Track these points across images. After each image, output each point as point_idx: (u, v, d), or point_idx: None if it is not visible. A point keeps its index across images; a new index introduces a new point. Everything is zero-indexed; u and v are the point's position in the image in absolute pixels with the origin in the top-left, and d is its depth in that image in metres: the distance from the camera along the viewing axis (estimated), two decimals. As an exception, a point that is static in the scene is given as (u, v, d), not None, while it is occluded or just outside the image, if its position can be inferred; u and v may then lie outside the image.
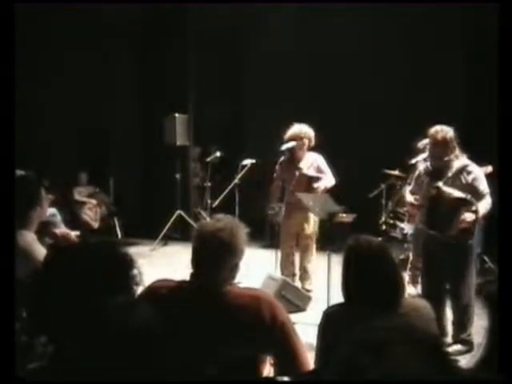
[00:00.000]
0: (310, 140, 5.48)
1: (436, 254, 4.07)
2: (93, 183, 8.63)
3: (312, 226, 5.55)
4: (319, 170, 5.50)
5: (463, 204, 3.84)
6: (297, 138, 5.43)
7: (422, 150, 5.42)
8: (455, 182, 3.93)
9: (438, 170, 4.04)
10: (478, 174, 3.95)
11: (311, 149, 5.57)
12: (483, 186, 3.92)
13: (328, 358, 2.04)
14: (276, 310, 2.08)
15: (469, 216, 3.80)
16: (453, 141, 3.94)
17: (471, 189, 3.89)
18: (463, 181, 3.92)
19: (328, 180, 5.48)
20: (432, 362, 0.99)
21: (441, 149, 3.96)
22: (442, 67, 7.53)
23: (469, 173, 3.92)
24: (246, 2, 7.86)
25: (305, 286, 5.59)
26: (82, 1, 7.70)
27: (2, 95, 2.37)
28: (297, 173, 5.46)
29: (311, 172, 5.48)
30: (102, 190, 8.68)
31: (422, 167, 4.34)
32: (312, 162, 5.52)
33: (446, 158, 3.96)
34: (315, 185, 5.39)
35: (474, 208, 3.82)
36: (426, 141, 5.40)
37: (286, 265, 5.67)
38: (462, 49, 7.59)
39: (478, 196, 3.88)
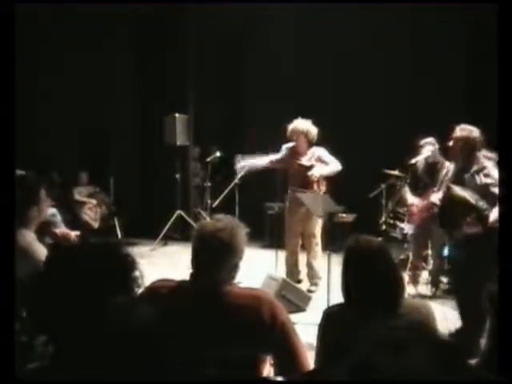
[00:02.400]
0: (307, 135, 5.42)
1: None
2: (93, 183, 8.63)
3: (315, 223, 5.53)
4: (320, 161, 5.45)
5: (469, 208, 3.74)
6: (293, 134, 5.42)
7: (423, 148, 5.44)
8: (471, 183, 3.86)
9: (460, 170, 3.99)
10: (495, 178, 3.79)
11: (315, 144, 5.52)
12: (495, 192, 3.77)
13: (332, 357, 2.04)
14: (276, 310, 2.08)
15: (472, 222, 3.71)
16: (475, 141, 3.86)
17: (485, 191, 3.79)
18: (478, 182, 3.83)
19: (330, 166, 5.40)
20: (446, 361, 1.00)
21: (460, 148, 3.91)
22: (442, 67, 7.53)
23: (486, 175, 3.82)
24: (246, 2, 7.86)
25: (310, 288, 5.59)
26: (82, 1, 7.70)
27: (2, 95, 2.37)
28: (296, 166, 5.45)
29: (309, 163, 5.45)
30: (102, 189, 8.68)
31: (451, 167, 4.26)
32: (312, 155, 5.49)
33: (466, 157, 3.89)
34: (308, 173, 5.32)
35: (482, 212, 3.73)
36: (428, 139, 5.43)
37: (292, 263, 5.68)
38: (462, 49, 7.60)
39: (492, 199, 3.76)
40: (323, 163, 5.43)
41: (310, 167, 5.37)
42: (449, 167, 4.87)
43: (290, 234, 5.66)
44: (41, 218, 2.98)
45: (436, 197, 4.80)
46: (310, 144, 5.49)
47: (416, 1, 7.11)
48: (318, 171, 5.33)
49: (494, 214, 3.74)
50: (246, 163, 5.75)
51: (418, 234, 5.59)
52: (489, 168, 3.86)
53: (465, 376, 1.02)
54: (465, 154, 3.92)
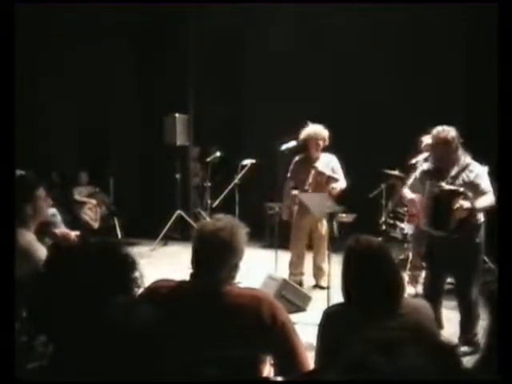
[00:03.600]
0: (324, 140, 5.50)
1: (438, 254, 4.07)
2: (93, 183, 8.63)
3: (325, 225, 5.54)
4: (334, 172, 5.52)
5: (457, 195, 3.83)
6: (311, 138, 5.44)
7: (425, 147, 5.45)
8: (456, 180, 3.94)
9: (440, 170, 4.04)
10: (480, 172, 3.94)
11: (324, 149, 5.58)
12: (485, 183, 3.90)
13: (332, 357, 2.04)
14: (276, 310, 2.08)
15: (464, 203, 3.80)
16: (455, 140, 3.92)
17: (472, 186, 3.88)
18: (465, 179, 3.92)
19: (342, 182, 5.51)
20: (442, 362, 0.99)
21: (442, 149, 3.95)
22: (442, 67, 7.53)
23: (470, 171, 3.92)
24: (246, 2, 7.86)
25: (320, 284, 5.64)
26: (82, 1, 7.70)
27: (2, 95, 2.37)
28: (312, 172, 5.47)
29: (328, 172, 5.49)
30: (102, 190, 8.67)
31: (425, 166, 4.32)
32: (327, 163, 5.54)
33: (449, 158, 3.95)
34: (333, 185, 5.40)
35: (468, 197, 3.83)
36: (428, 136, 5.44)
37: (297, 264, 5.69)
38: (462, 49, 7.59)
39: (480, 193, 3.87)
40: (337, 175, 5.53)
41: (331, 178, 5.45)
42: None
43: (297, 236, 5.68)
44: (39, 217, 2.97)
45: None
46: (323, 148, 5.56)
47: (416, 1, 7.11)
48: (339, 186, 5.44)
49: (480, 201, 3.83)
50: (287, 198, 5.72)
51: (417, 234, 5.59)
52: (473, 164, 3.95)
53: (461, 377, 1.02)
54: (447, 155, 3.95)
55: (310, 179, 5.49)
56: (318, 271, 5.75)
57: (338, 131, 7.14)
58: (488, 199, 3.87)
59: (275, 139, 5.67)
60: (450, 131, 3.94)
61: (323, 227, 5.58)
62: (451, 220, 3.86)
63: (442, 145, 3.94)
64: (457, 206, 3.79)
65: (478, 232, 3.99)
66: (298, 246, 5.70)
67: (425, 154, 5.42)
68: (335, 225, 5.51)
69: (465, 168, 3.94)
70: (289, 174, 5.71)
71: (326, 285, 5.55)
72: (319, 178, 5.49)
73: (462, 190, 3.85)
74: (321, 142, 5.48)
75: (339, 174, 5.55)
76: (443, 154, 3.97)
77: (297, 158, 5.62)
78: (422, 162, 5.49)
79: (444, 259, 4.03)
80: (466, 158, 3.98)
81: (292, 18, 8.12)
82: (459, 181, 3.93)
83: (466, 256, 3.99)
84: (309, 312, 4.92)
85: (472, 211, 3.84)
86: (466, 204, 3.80)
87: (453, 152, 3.93)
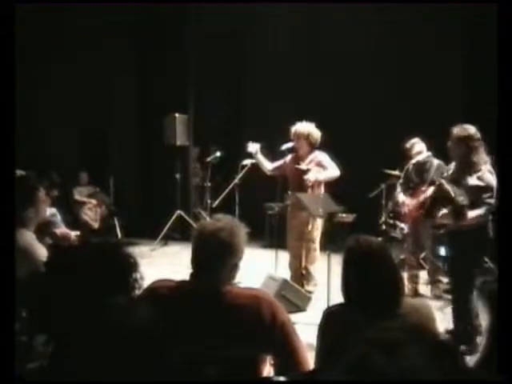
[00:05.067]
0: (309, 138, 5.37)
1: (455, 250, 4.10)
2: (93, 183, 8.64)
3: (315, 226, 5.44)
4: (320, 166, 5.40)
5: (447, 201, 3.86)
6: (294, 136, 5.40)
7: (410, 150, 5.52)
8: (463, 182, 3.90)
9: (457, 169, 4.05)
10: (487, 182, 3.83)
11: (317, 147, 5.48)
12: (483, 195, 3.81)
13: (332, 357, 2.04)
14: (276, 310, 2.08)
15: (447, 214, 3.87)
16: (472, 139, 3.89)
17: (474, 193, 3.82)
18: (469, 183, 3.87)
19: (327, 172, 5.34)
20: (443, 362, 0.99)
21: (456, 146, 3.96)
22: (441, 68, 7.54)
23: (479, 178, 3.85)
24: (246, 2, 7.87)
25: (307, 288, 5.53)
26: (82, 1, 7.71)
27: (2, 95, 2.37)
28: (294, 169, 5.43)
29: (306, 167, 5.41)
30: (102, 190, 8.68)
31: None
32: (312, 159, 5.43)
33: (463, 156, 3.93)
34: (305, 177, 5.26)
35: (458, 206, 3.81)
36: (415, 139, 5.51)
37: (295, 266, 5.63)
38: (462, 50, 7.59)
39: (478, 202, 3.82)
40: (322, 168, 5.37)
41: (307, 171, 5.34)
42: (441, 166, 5.05)
43: (290, 237, 5.61)
44: (39, 217, 2.97)
45: (424, 196, 4.90)
46: (312, 148, 5.42)
47: (416, 1, 7.11)
48: (313, 176, 5.26)
49: (473, 213, 3.81)
50: (258, 153, 5.68)
51: (410, 234, 5.61)
52: (483, 171, 3.88)
53: (462, 376, 1.02)
54: (462, 153, 3.94)
55: (294, 179, 5.44)
56: (305, 274, 5.57)
57: (338, 131, 7.17)
58: (474, 214, 3.85)
59: (275, 139, 5.66)
60: (467, 129, 3.94)
61: (313, 230, 5.42)
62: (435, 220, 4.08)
63: (454, 142, 3.96)
64: (439, 217, 4.03)
65: (463, 242, 3.91)
66: (291, 247, 5.60)
67: (423, 155, 5.45)
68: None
69: (475, 172, 3.90)
70: (275, 164, 5.64)
71: (313, 289, 5.49)
72: (300, 175, 5.36)
73: (460, 199, 3.83)
74: (304, 140, 5.36)
75: (327, 167, 5.35)
76: (456, 152, 3.98)
77: (289, 157, 5.56)
78: (412, 162, 5.52)
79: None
80: (481, 163, 3.90)
81: (292, 18, 8.12)
82: (466, 183, 3.90)
83: (455, 267, 4.00)
84: (309, 312, 4.92)
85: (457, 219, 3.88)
86: (446, 220, 3.96)
87: (468, 151, 3.90)
